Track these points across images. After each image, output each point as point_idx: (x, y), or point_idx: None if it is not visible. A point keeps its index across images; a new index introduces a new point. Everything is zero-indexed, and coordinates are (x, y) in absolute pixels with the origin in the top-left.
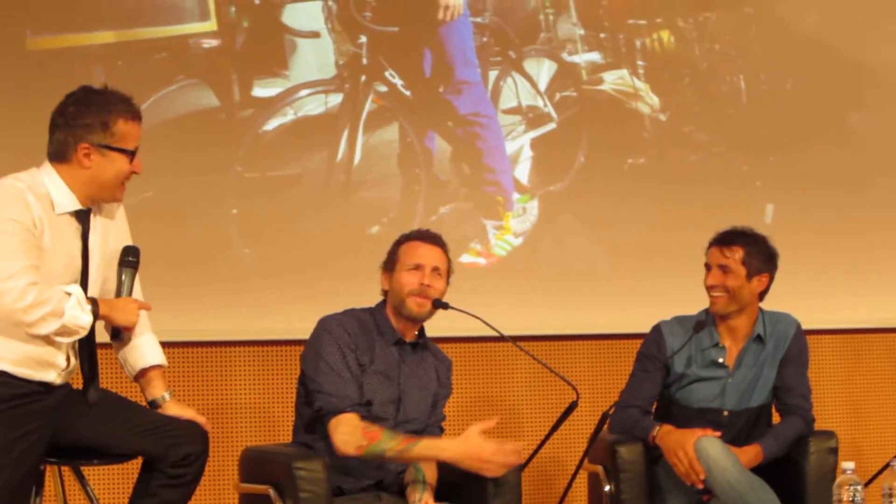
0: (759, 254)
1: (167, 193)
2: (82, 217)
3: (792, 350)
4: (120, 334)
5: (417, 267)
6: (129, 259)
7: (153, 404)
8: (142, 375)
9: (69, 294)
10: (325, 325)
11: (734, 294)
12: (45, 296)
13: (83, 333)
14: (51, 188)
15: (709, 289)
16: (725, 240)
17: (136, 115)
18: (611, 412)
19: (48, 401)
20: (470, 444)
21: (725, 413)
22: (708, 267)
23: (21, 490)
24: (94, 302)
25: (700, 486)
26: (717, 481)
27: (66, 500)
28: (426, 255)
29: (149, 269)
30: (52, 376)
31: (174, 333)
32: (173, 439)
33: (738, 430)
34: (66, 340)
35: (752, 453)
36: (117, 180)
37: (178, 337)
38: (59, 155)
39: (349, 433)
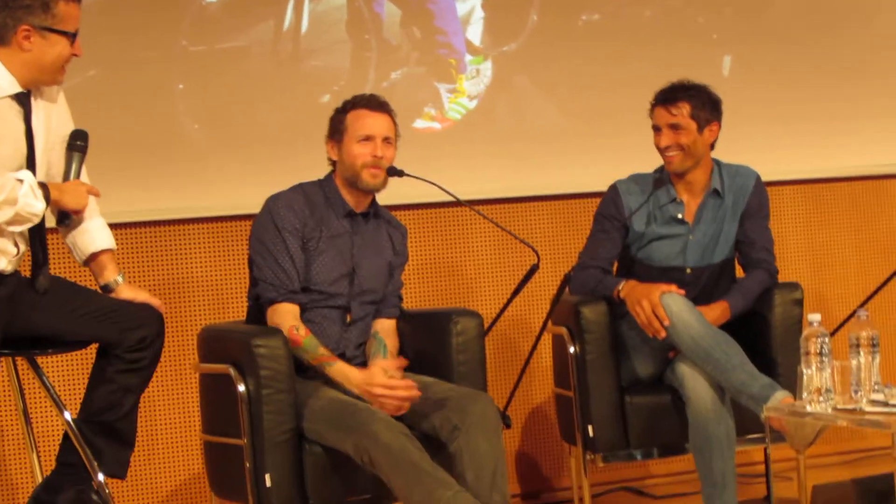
0: (705, 104)
1: (111, 72)
2: (23, 100)
3: (752, 203)
4: (67, 219)
5: (368, 138)
6: (78, 143)
7: (106, 289)
8: (92, 260)
9: (21, 181)
10: (269, 206)
11: (689, 150)
12: None
13: (36, 221)
14: None
15: (662, 150)
16: (669, 97)
17: None
18: (572, 273)
19: (0, 292)
20: (370, 379)
21: (688, 270)
22: (657, 128)
23: None
24: (44, 187)
25: (662, 336)
26: (681, 337)
27: (21, 392)
28: (376, 124)
29: (95, 149)
30: (3, 264)
31: (125, 214)
32: (128, 323)
33: (702, 286)
34: (17, 229)
35: (719, 311)
36: (58, 63)
37: (130, 217)
38: None
39: (279, 325)
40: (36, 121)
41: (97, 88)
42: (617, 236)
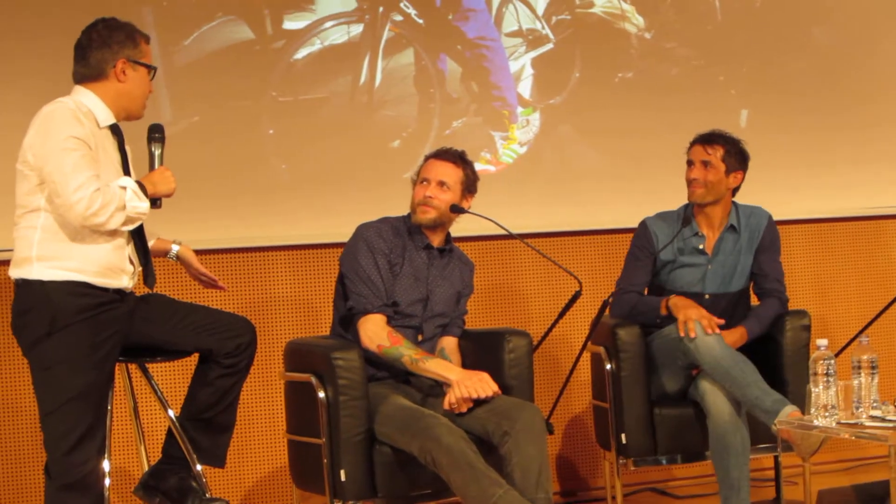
0: (736, 153)
1: (211, 118)
2: (116, 130)
3: (766, 239)
4: (157, 202)
5: (424, 181)
6: (156, 135)
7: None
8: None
9: (124, 187)
10: (362, 232)
11: (711, 187)
12: (108, 196)
13: (144, 218)
14: (91, 106)
15: (690, 181)
16: (708, 139)
17: (147, 38)
18: (610, 300)
19: (123, 308)
20: (472, 374)
21: (707, 296)
22: (690, 163)
23: (104, 388)
24: (141, 185)
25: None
26: (703, 357)
27: (132, 393)
28: (434, 169)
29: (196, 184)
30: (125, 281)
31: (222, 241)
32: (224, 333)
33: (720, 312)
34: (130, 228)
35: (737, 334)
36: (145, 95)
37: (226, 244)
38: (96, 74)
39: (374, 332)
40: (128, 147)
41: (199, 132)
42: (648, 264)
